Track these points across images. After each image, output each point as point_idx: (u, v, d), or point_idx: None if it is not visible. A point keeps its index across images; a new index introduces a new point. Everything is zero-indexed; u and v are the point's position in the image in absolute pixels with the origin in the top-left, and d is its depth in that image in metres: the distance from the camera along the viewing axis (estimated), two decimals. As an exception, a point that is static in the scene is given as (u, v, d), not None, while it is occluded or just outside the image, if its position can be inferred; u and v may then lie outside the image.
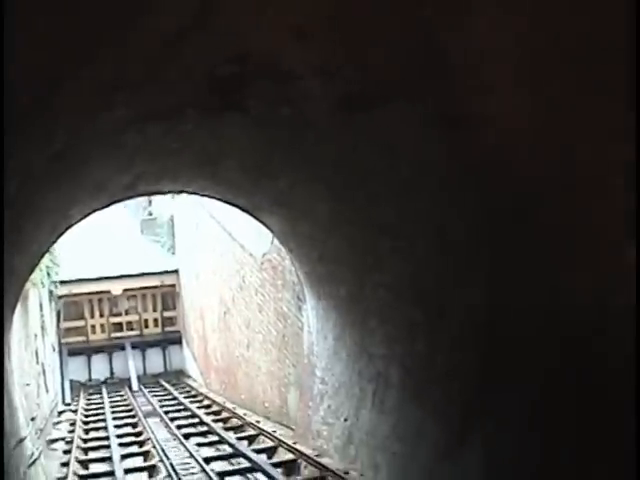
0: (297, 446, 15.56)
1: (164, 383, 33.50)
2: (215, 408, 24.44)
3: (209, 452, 17.33)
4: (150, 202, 41.78)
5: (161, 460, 16.02)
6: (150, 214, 43.14)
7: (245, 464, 15.45)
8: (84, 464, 17.05)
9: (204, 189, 14.33)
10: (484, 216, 8.47)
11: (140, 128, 9.07)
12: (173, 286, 38.37)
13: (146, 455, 17.52)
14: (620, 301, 6.74)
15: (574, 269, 7.29)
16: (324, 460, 13.99)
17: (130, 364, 35.96)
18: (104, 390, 32.36)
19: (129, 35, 6.16)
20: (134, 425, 22.32)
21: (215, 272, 28.24)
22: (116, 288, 37.15)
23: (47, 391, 23.76)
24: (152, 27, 6.20)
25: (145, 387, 32.82)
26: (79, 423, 22.95)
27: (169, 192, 16.11)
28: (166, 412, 24.29)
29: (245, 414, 21.47)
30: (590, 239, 6.93)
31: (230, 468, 15.53)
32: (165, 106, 8.50)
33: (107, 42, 6.03)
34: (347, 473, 12.74)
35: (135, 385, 33.48)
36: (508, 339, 8.83)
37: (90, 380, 36.28)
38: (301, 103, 8.46)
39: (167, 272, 38.01)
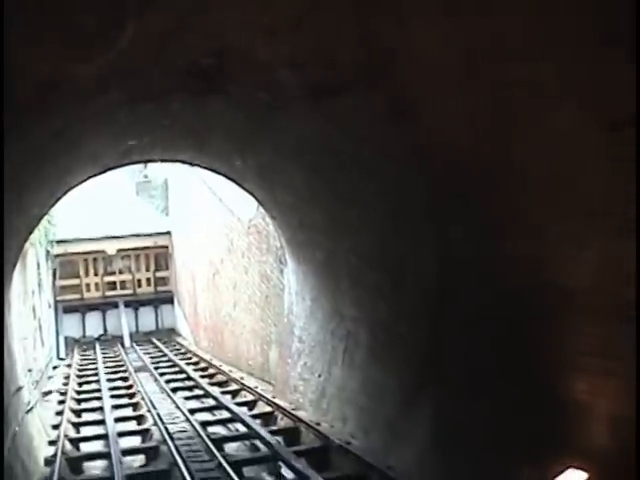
0: (276, 400, 16.70)
1: (155, 341, 34.61)
2: (202, 365, 25.62)
3: (194, 404, 18.45)
4: (145, 165, 42.58)
5: (149, 410, 17.12)
6: (145, 177, 43.96)
7: (227, 415, 16.57)
8: (77, 413, 18.15)
9: (193, 159, 15.35)
10: (433, 196, 9.56)
11: (132, 107, 10.09)
12: (166, 247, 39.48)
13: (135, 406, 18.66)
14: (537, 273, 7.89)
15: (503, 245, 8.42)
16: (299, 413, 15.12)
17: (123, 322, 37.08)
18: (97, 346, 33.47)
19: (125, 33, 7.15)
20: (125, 379, 23.46)
21: (206, 235, 29.28)
22: (111, 248, 38.22)
23: (43, 345, 24.83)
24: (147, 26, 7.21)
25: (137, 344, 33.95)
26: (73, 377, 24.04)
27: (161, 160, 17.06)
28: (156, 368, 25.48)
29: (230, 371, 22.65)
30: (518, 220, 8.05)
31: (213, 419, 16.67)
32: (154, 89, 9.51)
33: (103, 43, 7.03)
34: (319, 424, 13.86)
35: (127, 342, 34.58)
36: (454, 307, 9.98)
37: (84, 336, 37.42)
38: (276, 90, 9.48)
39: (160, 233, 39.12)
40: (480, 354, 9.38)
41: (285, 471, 12.24)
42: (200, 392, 20.21)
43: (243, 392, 19.21)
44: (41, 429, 14.99)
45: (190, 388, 21.24)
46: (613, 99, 6.10)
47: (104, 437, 14.94)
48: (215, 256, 27.64)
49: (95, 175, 14.42)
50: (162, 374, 23.87)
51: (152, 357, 29.35)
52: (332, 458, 12.36)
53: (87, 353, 32.08)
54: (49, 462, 12.90)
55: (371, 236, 12.08)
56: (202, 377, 22.67)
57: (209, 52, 8.29)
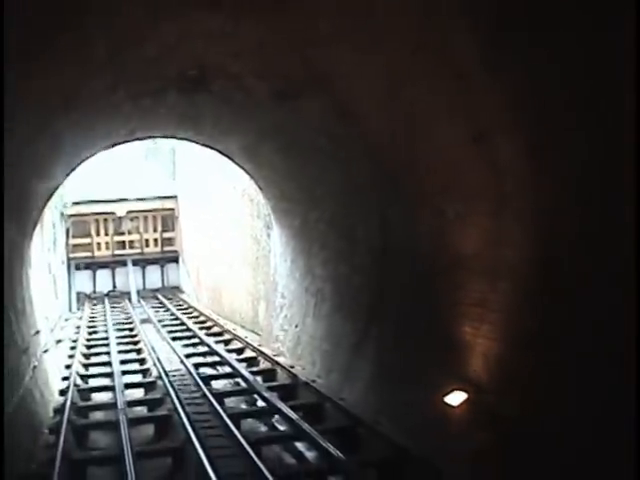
0: (260, 348, 19.16)
1: (160, 297, 36.94)
2: (202, 319, 27.99)
3: (190, 350, 20.90)
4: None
5: (150, 354, 19.59)
6: (154, 142, 45.88)
7: (217, 359, 19.06)
8: (87, 356, 20.64)
9: (189, 137, 17.73)
10: (375, 177, 11.98)
11: (135, 101, 12.49)
12: (172, 210, 41.57)
13: (138, 351, 21.12)
14: (440, 242, 10.33)
15: (419, 220, 10.87)
16: (279, 358, 17.57)
17: (131, 279, 39.46)
18: (107, 301, 35.96)
19: (129, 57, 9.57)
20: (131, 329, 25.87)
21: (207, 200, 31.56)
22: (120, 210, 40.39)
23: (57, 298, 27.30)
24: (145, 51, 9.62)
25: (143, 300, 36.30)
26: (84, 327, 26.50)
27: (162, 137, 19.42)
28: (159, 320, 27.92)
29: (225, 324, 25.07)
30: (428, 202, 10.49)
31: (204, 361, 19.15)
32: (152, 89, 11.93)
33: (111, 63, 9.44)
34: (293, 367, 16.31)
35: (134, 298, 36.91)
36: (390, 264, 12.44)
37: (94, 292, 39.80)
38: (248, 91, 11.90)
39: (167, 197, 41.23)
40: (405, 302, 11.87)
41: (259, 402, 14.73)
42: (196, 341, 22.64)
43: (234, 341, 21.65)
44: (55, 368, 17.41)
45: (188, 337, 23.63)
46: (473, 119, 8.51)
47: (110, 375, 17.40)
48: (215, 220, 29.98)
49: (105, 149, 16.77)
50: (164, 326, 26.33)
51: (156, 311, 31.78)
52: (298, 392, 14.83)
53: (97, 307, 34.43)
54: (63, 392, 15.34)
55: (333, 207, 14.54)
56: (200, 329, 24.97)
57: (193, 66, 10.70)
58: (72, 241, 38.38)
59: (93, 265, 40.58)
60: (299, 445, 11.90)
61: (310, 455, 11.42)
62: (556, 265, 8.02)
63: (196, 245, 35.89)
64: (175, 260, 41.70)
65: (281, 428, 13.10)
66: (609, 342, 7.01)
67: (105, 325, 27.07)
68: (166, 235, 42.26)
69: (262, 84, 11.23)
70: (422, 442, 9.97)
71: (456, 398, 9.73)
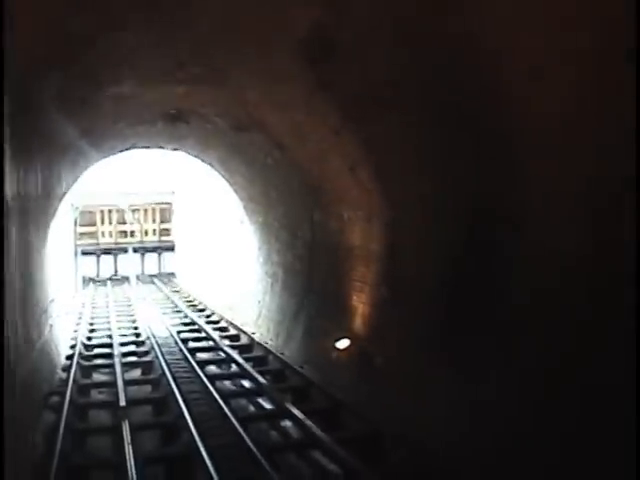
0: (232, 320, 23.60)
1: (157, 281, 41.45)
2: (190, 298, 32.53)
3: (176, 321, 25.36)
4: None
5: (142, 323, 24.07)
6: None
7: (196, 327, 23.56)
8: (91, 324, 25.09)
9: (178, 148, 22.19)
10: (304, 189, 16.48)
11: (131, 128, 16.99)
12: (170, 204, 46.16)
13: (134, 322, 25.55)
14: (341, 237, 14.80)
15: (330, 221, 15.37)
16: (244, 328, 22.00)
17: (131, 265, 44.02)
18: (109, 283, 40.45)
19: (126, 106, 14.05)
20: (129, 306, 30.35)
21: (198, 196, 35.79)
22: (123, 202, 45.02)
23: (64, 278, 31.53)
24: (140, 100, 14.09)
25: (142, 283, 40.80)
26: (88, 303, 31.01)
27: (156, 148, 23.88)
28: (153, 300, 32.42)
29: (209, 302, 29.41)
30: (333, 209, 14.99)
31: (186, 329, 23.61)
32: (144, 121, 16.41)
33: (118, 110, 13.94)
34: (254, 333, 20.78)
35: (134, 281, 41.45)
36: (316, 253, 16.94)
37: (98, 276, 44.34)
38: (215, 124, 16.35)
39: (165, 192, 45.74)
40: (323, 280, 16.38)
41: (222, 355, 19.21)
42: (182, 315, 27.14)
43: (213, 315, 26.12)
44: (65, 330, 21.72)
45: (176, 312, 28.21)
46: (346, 157, 13.02)
47: (109, 337, 21.86)
48: (204, 214, 34.36)
49: (108, 156, 21.26)
50: (157, 304, 30.86)
51: (152, 292, 36.24)
52: (253, 349, 19.33)
53: (100, 288, 38.86)
54: (72, 347, 19.82)
55: (282, 209, 19.05)
56: (188, 307, 29.51)
57: (173, 108, 15.18)
58: (79, 229, 42.23)
59: (97, 251, 45.08)
60: (243, 381, 16.41)
61: (248, 385, 15.92)
62: (398, 252, 12.53)
63: (189, 235, 40.10)
64: (171, 249, 45.86)
65: (233, 371, 17.61)
66: (434, 302, 11.44)
67: (107, 302, 31.53)
68: (164, 226, 46.81)
69: (223, 121, 15.69)
70: (323, 376, 14.46)
71: (344, 344, 14.27)
